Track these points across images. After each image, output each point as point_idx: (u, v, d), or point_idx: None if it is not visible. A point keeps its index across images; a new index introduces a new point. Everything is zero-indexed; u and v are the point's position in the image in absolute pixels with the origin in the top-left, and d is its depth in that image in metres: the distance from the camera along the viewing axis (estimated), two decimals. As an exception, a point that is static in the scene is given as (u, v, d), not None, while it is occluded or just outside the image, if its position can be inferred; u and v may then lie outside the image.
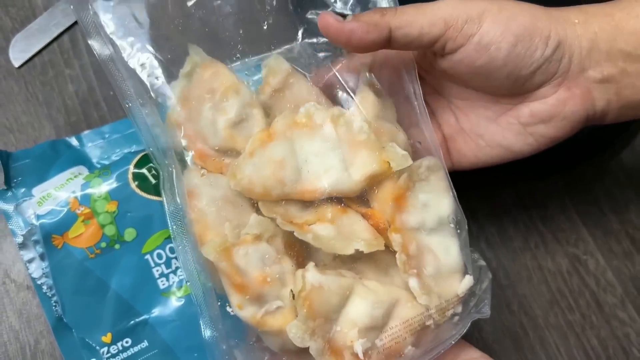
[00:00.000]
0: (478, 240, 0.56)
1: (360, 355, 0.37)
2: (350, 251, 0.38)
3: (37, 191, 0.49)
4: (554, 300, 0.54)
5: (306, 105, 0.41)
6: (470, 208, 0.56)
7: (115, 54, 0.41)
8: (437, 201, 0.42)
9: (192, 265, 0.40)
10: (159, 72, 0.42)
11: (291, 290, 0.38)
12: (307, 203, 0.40)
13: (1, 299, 0.49)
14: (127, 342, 0.46)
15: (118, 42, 0.41)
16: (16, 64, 0.57)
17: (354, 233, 0.39)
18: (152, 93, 0.41)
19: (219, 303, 0.40)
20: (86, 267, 0.46)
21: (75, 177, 0.49)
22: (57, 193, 0.47)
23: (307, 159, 0.40)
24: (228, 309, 0.39)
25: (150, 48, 0.42)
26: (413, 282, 0.39)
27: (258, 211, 0.41)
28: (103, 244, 0.47)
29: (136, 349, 0.46)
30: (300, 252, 0.40)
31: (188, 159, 0.41)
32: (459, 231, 0.42)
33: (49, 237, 0.46)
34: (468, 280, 0.41)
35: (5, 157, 0.49)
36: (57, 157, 0.51)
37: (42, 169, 0.50)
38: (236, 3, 0.44)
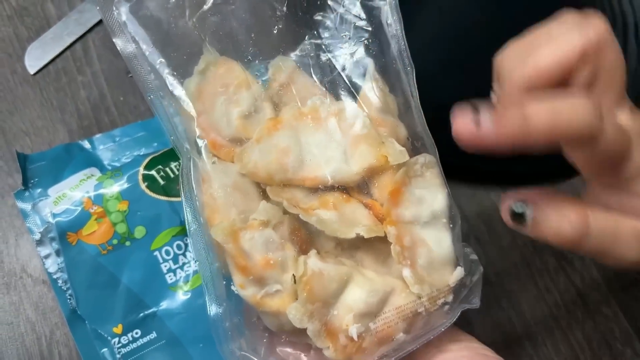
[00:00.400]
0: (468, 238, 0.58)
1: (354, 338, 0.39)
2: (351, 235, 0.40)
3: (53, 191, 0.52)
4: (540, 296, 0.57)
5: (313, 98, 0.43)
6: (461, 207, 0.59)
7: (137, 51, 0.43)
8: (431, 196, 0.44)
9: (201, 246, 0.42)
10: (175, 68, 0.44)
11: (293, 275, 0.40)
12: (312, 190, 0.42)
13: (18, 292, 0.52)
14: (136, 333, 0.49)
15: (140, 40, 0.43)
16: (31, 71, 0.60)
17: (355, 219, 0.41)
18: (169, 87, 0.43)
19: (224, 283, 0.41)
20: (99, 263, 0.49)
21: (88, 178, 0.52)
22: (71, 193, 0.50)
23: (310, 148, 0.42)
24: (232, 287, 0.41)
25: (168, 46, 0.44)
26: (406, 272, 0.41)
27: (266, 198, 0.42)
28: (115, 241, 0.50)
29: (145, 339, 0.49)
30: (304, 239, 0.42)
31: (202, 148, 0.43)
32: (451, 226, 0.44)
33: (64, 235, 0.49)
34: (459, 271, 0.43)
35: (22, 160, 0.52)
36: (71, 159, 0.54)
37: (57, 171, 0.53)
38: (249, 9, 0.46)
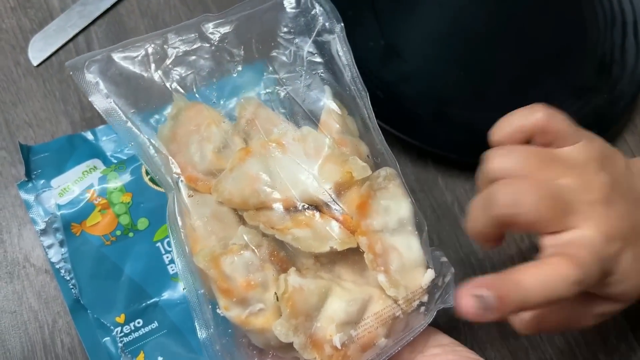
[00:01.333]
0: (465, 232, 0.59)
1: (338, 347, 0.42)
2: (325, 249, 0.43)
3: (56, 183, 0.53)
4: (536, 289, 0.58)
5: (279, 126, 0.48)
6: (458, 200, 0.60)
7: (112, 105, 0.48)
8: (396, 205, 0.47)
9: (188, 275, 0.45)
10: (147, 116, 0.49)
11: (275, 293, 0.43)
12: (286, 212, 0.45)
13: (22, 281, 0.53)
14: (138, 323, 0.50)
15: (113, 95, 0.48)
16: (35, 62, 0.60)
17: (328, 234, 0.44)
18: (145, 135, 0.48)
19: (210, 307, 0.44)
20: (102, 253, 0.50)
21: (91, 170, 0.53)
22: (76, 185, 0.51)
23: (278, 173, 0.46)
24: (218, 311, 0.44)
25: (139, 98, 0.49)
26: (381, 277, 0.44)
27: (244, 224, 0.46)
28: (118, 232, 0.51)
29: (147, 329, 0.50)
30: (284, 259, 0.45)
31: (180, 184, 0.47)
32: (417, 232, 0.47)
33: (69, 225, 0.50)
34: (430, 273, 0.46)
35: (26, 151, 0.53)
36: (74, 150, 0.55)
37: (60, 162, 0.54)
38: (209, 57, 0.51)
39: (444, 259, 0.49)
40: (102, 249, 0.50)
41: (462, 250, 0.58)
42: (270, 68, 0.52)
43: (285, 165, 0.46)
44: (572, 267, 0.36)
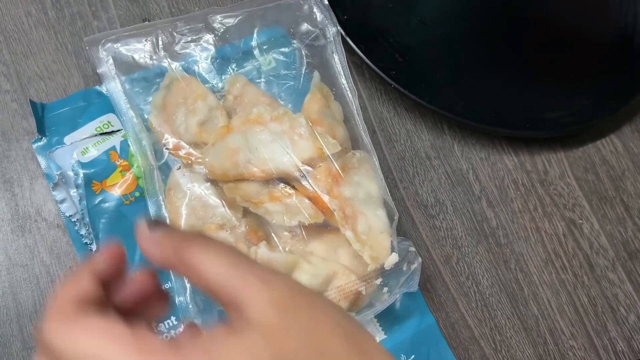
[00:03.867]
0: (480, 199, 0.59)
1: None
2: (294, 223, 0.47)
3: (69, 139, 0.52)
4: (549, 259, 0.58)
5: (258, 106, 0.51)
6: (473, 168, 0.59)
7: (115, 80, 0.52)
8: (367, 183, 0.51)
9: None
10: (144, 91, 0.53)
11: None
12: (263, 186, 0.49)
13: (33, 235, 0.52)
14: (154, 281, 0.50)
15: (119, 71, 0.52)
16: (47, 13, 0.59)
17: (299, 209, 0.48)
18: (140, 106, 0.52)
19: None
20: (120, 212, 0.50)
21: (104, 125, 0.52)
22: (99, 145, 0.52)
23: (257, 147, 0.49)
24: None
25: (141, 77, 0.53)
26: (349, 233, 0.48)
27: (224, 202, 0.49)
28: (137, 194, 0.52)
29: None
30: (262, 237, 0.48)
31: (165, 150, 0.50)
32: (384, 208, 0.51)
33: (90, 183, 0.50)
34: (394, 257, 0.49)
35: (40, 108, 0.52)
36: (88, 105, 0.54)
37: (74, 118, 0.53)
38: (213, 45, 0.55)
39: (412, 249, 0.51)
40: (121, 207, 0.50)
41: (476, 218, 0.58)
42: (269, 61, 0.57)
43: (264, 141, 0.49)
44: None
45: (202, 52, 0.54)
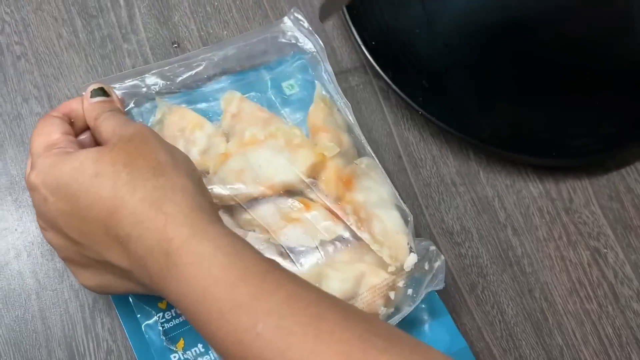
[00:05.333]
0: (505, 227, 0.59)
1: None
2: (315, 243, 0.48)
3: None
4: (573, 289, 0.58)
5: (249, 129, 0.52)
6: (499, 195, 0.60)
7: None
8: (378, 187, 0.52)
9: None
10: None
11: None
12: (274, 205, 0.50)
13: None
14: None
15: None
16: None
17: (317, 224, 0.49)
18: None
19: None
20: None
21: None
22: None
23: (260, 164, 0.50)
24: None
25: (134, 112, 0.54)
26: (365, 236, 0.48)
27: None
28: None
29: (188, 315, 0.50)
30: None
31: None
32: (397, 210, 0.51)
33: None
34: (412, 257, 0.49)
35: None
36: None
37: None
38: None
39: (433, 247, 0.51)
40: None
41: (501, 246, 0.58)
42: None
43: (264, 159, 0.50)
44: None
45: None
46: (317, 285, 0.45)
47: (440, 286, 0.50)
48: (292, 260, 0.48)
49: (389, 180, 0.53)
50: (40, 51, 0.59)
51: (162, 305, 0.50)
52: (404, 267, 0.48)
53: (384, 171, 0.53)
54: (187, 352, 0.49)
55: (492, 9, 0.66)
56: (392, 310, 0.49)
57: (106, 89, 0.49)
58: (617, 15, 0.67)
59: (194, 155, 0.51)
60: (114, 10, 0.61)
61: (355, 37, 0.59)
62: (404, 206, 0.51)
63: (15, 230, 0.54)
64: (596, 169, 0.62)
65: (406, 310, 0.49)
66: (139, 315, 0.50)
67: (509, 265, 0.58)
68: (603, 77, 0.64)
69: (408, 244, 0.49)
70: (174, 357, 0.49)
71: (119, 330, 0.51)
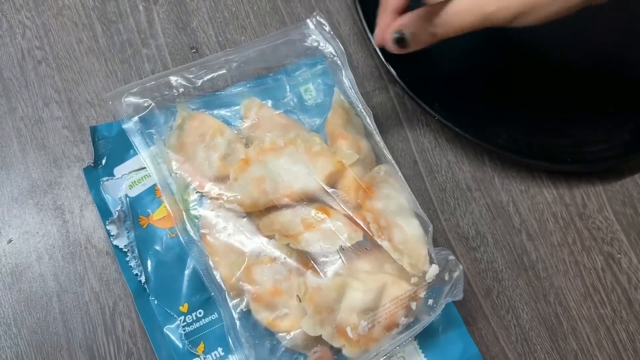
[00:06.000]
0: (520, 232, 0.59)
1: (363, 332, 0.47)
2: (335, 249, 0.49)
3: (118, 171, 0.53)
4: (587, 294, 0.58)
5: (269, 135, 0.52)
6: (513, 200, 0.60)
7: (137, 127, 0.53)
8: (397, 194, 0.52)
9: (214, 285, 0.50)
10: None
11: (297, 295, 0.47)
12: (295, 212, 0.50)
13: (83, 262, 0.54)
14: (200, 313, 0.51)
15: (143, 127, 0.54)
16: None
17: (336, 231, 0.49)
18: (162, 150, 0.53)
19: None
20: (167, 245, 0.51)
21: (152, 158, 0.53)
22: (145, 180, 0.53)
23: (280, 172, 0.50)
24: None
25: (160, 120, 0.55)
26: (385, 244, 0.49)
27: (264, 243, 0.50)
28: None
29: (207, 319, 0.51)
30: (306, 261, 0.50)
31: (191, 189, 0.51)
32: (417, 218, 0.52)
33: (137, 217, 0.51)
34: (434, 268, 0.50)
35: (92, 131, 0.54)
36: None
37: (123, 149, 0.54)
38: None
39: (452, 257, 0.52)
40: (167, 240, 0.51)
41: (516, 251, 0.59)
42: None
43: (284, 166, 0.51)
44: None
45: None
46: (339, 296, 0.47)
47: (459, 296, 0.51)
48: (316, 270, 0.48)
49: (407, 187, 0.53)
50: (61, 56, 0.59)
51: (183, 309, 0.50)
52: (426, 278, 0.49)
53: (402, 178, 0.54)
54: (207, 355, 0.50)
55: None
56: (412, 320, 0.49)
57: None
58: (633, 22, 0.68)
59: (214, 160, 0.52)
60: (133, 16, 0.61)
61: (371, 43, 0.59)
62: (424, 215, 0.52)
63: (37, 233, 0.54)
64: (610, 175, 0.62)
65: (426, 320, 0.50)
66: (160, 319, 0.50)
67: (524, 270, 0.58)
68: (618, 84, 0.65)
69: (428, 253, 0.50)
70: (196, 361, 0.50)
71: (139, 332, 0.52)
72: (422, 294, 0.49)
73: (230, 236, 0.50)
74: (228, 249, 0.50)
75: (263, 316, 0.48)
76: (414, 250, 0.50)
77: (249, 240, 0.50)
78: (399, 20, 0.49)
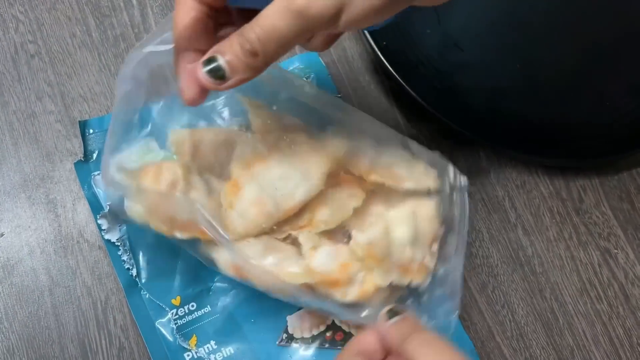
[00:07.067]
0: (515, 227, 0.59)
1: (419, 260, 0.48)
2: (349, 213, 0.47)
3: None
4: (584, 289, 0.58)
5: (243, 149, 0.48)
6: (509, 195, 0.60)
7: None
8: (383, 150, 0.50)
9: None
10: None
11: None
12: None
13: (75, 257, 0.53)
14: (192, 306, 0.50)
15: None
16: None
17: (342, 201, 0.48)
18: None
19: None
20: (159, 238, 0.50)
21: (144, 154, 0.53)
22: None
23: (275, 186, 0.46)
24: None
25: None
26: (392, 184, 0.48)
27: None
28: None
29: (200, 312, 0.51)
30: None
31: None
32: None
33: None
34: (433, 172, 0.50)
35: (82, 126, 0.53)
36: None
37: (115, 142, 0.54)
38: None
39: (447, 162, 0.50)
40: (160, 235, 0.50)
41: (511, 246, 0.58)
42: None
43: (277, 178, 0.46)
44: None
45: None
46: (385, 238, 0.47)
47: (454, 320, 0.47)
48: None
49: (377, 121, 0.51)
50: (54, 50, 0.59)
51: (175, 302, 0.50)
52: (434, 182, 0.49)
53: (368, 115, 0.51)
54: (200, 349, 0.50)
55: (502, 9, 0.66)
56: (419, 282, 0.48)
57: (397, 309, 0.41)
58: (631, 17, 0.67)
59: (203, 200, 0.46)
60: (127, 10, 0.61)
61: (366, 37, 0.59)
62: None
63: (29, 227, 0.54)
64: (607, 170, 0.62)
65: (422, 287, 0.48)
66: (151, 313, 0.50)
67: (520, 265, 0.58)
68: (617, 79, 0.64)
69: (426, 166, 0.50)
70: (187, 355, 0.50)
71: (131, 327, 0.52)
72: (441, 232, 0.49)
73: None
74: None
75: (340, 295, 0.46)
76: (412, 173, 0.49)
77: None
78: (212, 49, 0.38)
